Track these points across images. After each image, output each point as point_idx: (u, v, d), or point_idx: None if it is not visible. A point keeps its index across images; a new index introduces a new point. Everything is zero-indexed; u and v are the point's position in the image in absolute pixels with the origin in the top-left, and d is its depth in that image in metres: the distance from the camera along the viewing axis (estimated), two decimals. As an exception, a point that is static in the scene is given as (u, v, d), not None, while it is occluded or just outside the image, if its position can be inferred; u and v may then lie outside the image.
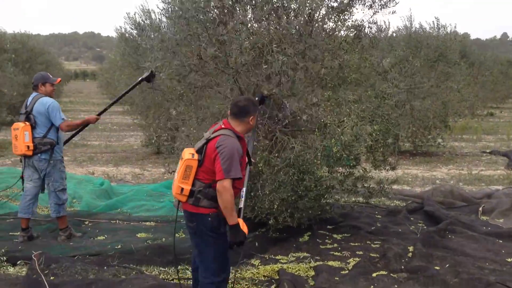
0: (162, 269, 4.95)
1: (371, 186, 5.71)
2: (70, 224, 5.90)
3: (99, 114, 6.08)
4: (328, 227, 6.17)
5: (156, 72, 5.92)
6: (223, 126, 3.55)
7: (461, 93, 10.97)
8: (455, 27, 12.91)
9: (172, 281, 4.62)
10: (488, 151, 12.84)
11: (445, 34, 12.10)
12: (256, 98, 5.35)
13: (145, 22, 11.78)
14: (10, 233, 5.97)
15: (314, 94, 5.45)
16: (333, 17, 5.65)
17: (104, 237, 5.91)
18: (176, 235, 5.99)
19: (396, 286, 4.57)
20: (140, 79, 6.16)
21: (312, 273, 4.88)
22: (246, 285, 4.59)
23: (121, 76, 11.72)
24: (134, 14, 11.40)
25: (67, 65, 55.48)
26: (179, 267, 4.96)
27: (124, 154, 12.51)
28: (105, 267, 4.89)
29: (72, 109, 24.94)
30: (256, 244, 5.62)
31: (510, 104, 28.62)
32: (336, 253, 5.39)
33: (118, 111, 23.03)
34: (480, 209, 6.97)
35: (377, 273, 4.87)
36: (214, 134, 3.48)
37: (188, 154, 3.45)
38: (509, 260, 5.14)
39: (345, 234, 5.95)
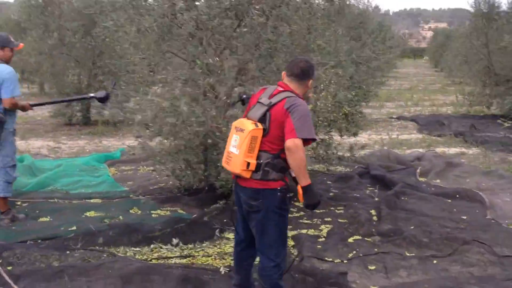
0: (134, 249, 4.53)
1: (337, 153, 5.72)
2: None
3: (33, 106, 5.31)
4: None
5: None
6: (281, 89, 3.20)
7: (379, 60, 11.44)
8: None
9: (158, 261, 4.25)
10: (395, 117, 13.68)
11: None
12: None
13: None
14: None
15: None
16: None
17: (49, 218, 5.26)
18: (131, 211, 5.59)
19: (375, 249, 4.63)
20: (93, 95, 5.48)
21: (292, 242, 4.78)
22: (232, 259, 4.34)
23: (27, 38, 10.43)
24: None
25: None
26: (152, 246, 4.61)
27: (28, 126, 11.29)
28: (67, 252, 4.35)
29: None
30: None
31: (393, 73, 30.71)
32: (306, 221, 5.35)
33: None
34: (418, 171, 7.37)
35: (353, 238, 4.93)
36: (277, 98, 3.12)
37: (251, 124, 3.06)
38: (463, 217, 5.48)
39: (307, 202, 5.92)
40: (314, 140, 3.11)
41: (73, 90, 10.99)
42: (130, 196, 6.08)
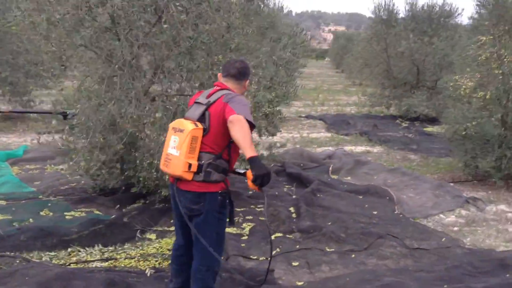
0: (50, 253, 4.27)
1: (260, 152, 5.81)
2: None
3: None
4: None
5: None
6: (218, 88, 3.13)
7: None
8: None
9: (78, 266, 4.02)
10: (303, 115, 14.15)
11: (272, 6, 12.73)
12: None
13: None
14: None
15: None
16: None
17: None
18: (41, 213, 5.25)
19: (297, 246, 4.77)
20: (58, 113, 5.15)
21: (216, 241, 4.77)
22: (156, 261, 4.26)
23: None
24: None
25: None
26: (69, 249, 4.37)
27: None
28: (-27, 259, 4.00)
29: None
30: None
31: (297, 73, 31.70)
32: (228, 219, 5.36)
33: None
34: (330, 168, 7.69)
35: (274, 235, 5.03)
36: (215, 97, 3.04)
37: (190, 124, 2.94)
38: (374, 212, 5.80)
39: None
40: (253, 126, 2.93)
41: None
42: (39, 197, 5.71)
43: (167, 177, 5.19)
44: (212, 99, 3.07)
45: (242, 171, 3.12)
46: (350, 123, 12.81)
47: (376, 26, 15.80)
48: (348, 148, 9.73)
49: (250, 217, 5.46)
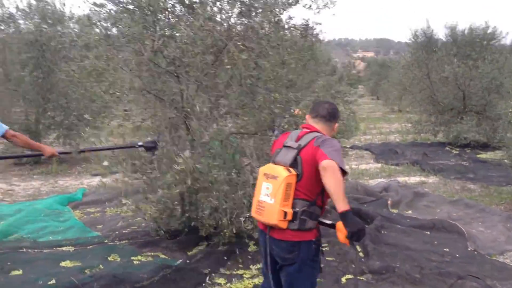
0: (127, 302, 4.24)
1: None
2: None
3: (61, 153, 4.97)
4: (268, 233, 5.99)
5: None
6: (308, 131, 3.08)
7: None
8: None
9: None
10: (348, 146, 13.97)
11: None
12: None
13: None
14: None
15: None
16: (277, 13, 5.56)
17: (21, 271, 4.82)
18: (109, 258, 5.24)
19: (373, 289, 4.61)
20: (141, 144, 5.30)
21: (288, 285, 4.65)
22: (231, 308, 4.17)
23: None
24: None
25: None
26: (143, 298, 4.33)
27: (-29, 166, 10.52)
28: (53, 311, 4.01)
29: None
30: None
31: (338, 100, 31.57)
32: (296, 261, 5.24)
33: None
34: (389, 202, 7.49)
35: (345, 277, 4.88)
36: (305, 140, 2.98)
37: (283, 170, 2.87)
38: (446, 250, 5.58)
39: (290, 240, 5.83)
40: (345, 173, 2.82)
41: (21, 127, 10.41)
42: (105, 241, 5.72)
43: (227, 219, 5.15)
44: (302, 142, 2.99)
45: (329, 222, 2.98)
46: (398, 152, 12.55)
47: (416, 53, 15.68)
48: (401, 179, 9.49)
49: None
